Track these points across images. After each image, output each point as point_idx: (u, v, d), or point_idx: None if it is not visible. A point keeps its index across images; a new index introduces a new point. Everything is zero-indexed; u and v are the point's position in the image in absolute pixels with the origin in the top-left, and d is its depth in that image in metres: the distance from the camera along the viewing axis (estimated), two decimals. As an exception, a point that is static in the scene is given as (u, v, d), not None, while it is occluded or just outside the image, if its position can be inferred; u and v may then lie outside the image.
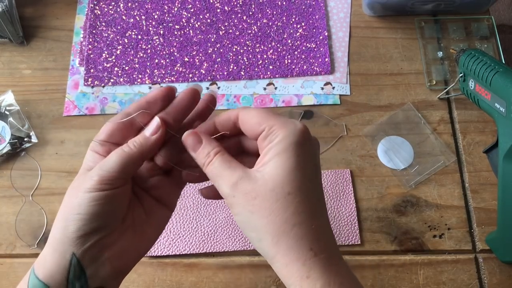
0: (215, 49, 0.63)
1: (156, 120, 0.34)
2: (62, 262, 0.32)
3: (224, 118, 0.36)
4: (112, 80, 0.61)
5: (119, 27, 0.64)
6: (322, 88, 0.61)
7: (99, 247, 0.33)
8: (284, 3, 0.66)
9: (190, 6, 0.66)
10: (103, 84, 0.61)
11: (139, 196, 0.37)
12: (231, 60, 0.62)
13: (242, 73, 0.62)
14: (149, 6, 0.66)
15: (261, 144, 0.33)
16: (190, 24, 0.64)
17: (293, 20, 0.65)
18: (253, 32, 0.64)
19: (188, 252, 0.52)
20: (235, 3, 0.66)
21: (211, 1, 0.66)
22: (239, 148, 0.37)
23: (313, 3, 0.66)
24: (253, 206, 0.31)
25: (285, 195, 0.31)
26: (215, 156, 0.33)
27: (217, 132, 0.36)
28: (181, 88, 0.61)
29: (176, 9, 0.65)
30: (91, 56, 0.62)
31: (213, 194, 0.37)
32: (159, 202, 0.37)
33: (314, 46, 0.63)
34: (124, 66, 0.62)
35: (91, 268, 0.33)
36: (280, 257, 0.31)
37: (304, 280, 0.30)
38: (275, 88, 0.61)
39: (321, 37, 0.63)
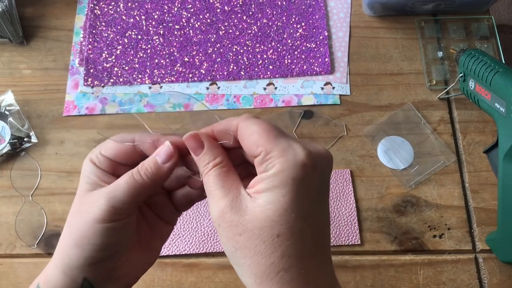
0: (215, 49, 0.63)
1: (167, 146, 0.32)
2: (72, 285, 0.32)
3: (223, 128, 0.32)
4: (112, 80, 0.61)
5: (119, 27, 0.64)
6: (322, 88, 0.61)
7: (111, 269, 0.33)
8: (284, 3, 0.66)
9: (190, 6, 0.66)
10: (103, 84, 0.61)
11: (143, 212, 0.36)
12: (231, 60, 0.62)
13: (242, 73, 0.61)
14: (149, 6, 0.65)
15: (257, 167, 0.30)
16: (190, 24, 0.64)
17: (293, 20, 0.64)
18: (253, 32, 0.64)
19: (188, 252, 0.52)
20: (235, 3, 0.66)
21: (211, 1, 0.66)
22: (242, 158, 0.33)
23: (313, 3, 0.66)
24: (237, 242, 0.28)
25: (274, 237, 0.27)
26: (211, 169, 0.30)
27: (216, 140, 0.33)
28: (181, 88, 0.61)
29: (176, 9, 0.65)
30: (91, 56, 0.62)
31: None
32: (161, 219, 0.37)
33: (314, 46, 0.63)
34: (124, 66, 0.62)
35: (101, 286, 0.33)
36: None
37: None
38: (275, 88, 0.61)
39: (321, 37, 0.63)
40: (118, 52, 0.63)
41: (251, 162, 0.32)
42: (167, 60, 0.62)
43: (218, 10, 0.65)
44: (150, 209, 0.36)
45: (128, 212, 0.31)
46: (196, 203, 0.54)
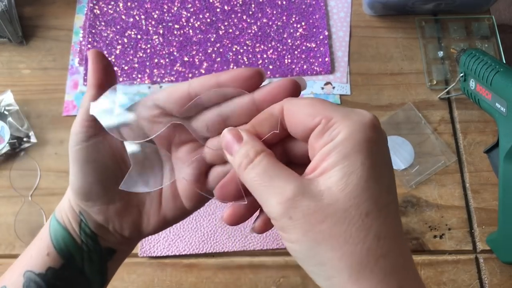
0: (215, 48, 0.63)
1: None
2: (75, 216, 0.32)
3: (264, 116, 0.28)
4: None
5: (118, 27, 0.64)
6: (322, 88, 0.61)
7: (104, 216, 0.32)
8: (284, 2, 0.65)
9: (190, 5, 0.65)
10: (102, 84, 0.61)
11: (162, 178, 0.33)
12: (231, 60, 0.62)
13: (242, 72, 0.61)
14: (148, 6, 0.65)
15: (315, 143, 0.25)
16: (190, 24, 0.64)
17: (293, 19, 0.64)
18: (253, 31, 0.64)
19: (188, 253, 0.52)
20: (235, 2, 0.65)
21: (211, 1, 0.66)
22: (284, 158, 0.29)
23: (313, 2, 0.65)
24: (320, 233, 0.23)
25: (363, 217, 0.23)
26: (257, 157, 0.25)
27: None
28: (181, 88, 0.61)
29: (175, 8, 0.65)
30: (91, 55, 0.62)
31: (265, 226, 0.29)
32: (178, 196, 0.33)
33: (314, 45, 0.63)
34: (123, 65, 0.62)
35: (100, 233, 0.33)
36: None
37: None
38: (275, 88, 0.61)
39: (321, 37, 0.63)
40: (117, 51, 0.63)
41: (297, 160, 0.28)
42: (167, 60, 0.62)
43: (218, 10, 0.65)
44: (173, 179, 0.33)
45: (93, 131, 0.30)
46: (196, 203, 0.54)
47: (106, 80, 0.32)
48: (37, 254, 0.33)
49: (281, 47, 0.63)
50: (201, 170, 0.31)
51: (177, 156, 0.32)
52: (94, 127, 0.30)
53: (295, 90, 0.28)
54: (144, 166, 0.32)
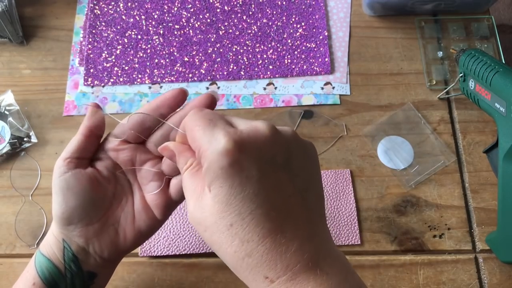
0: (215, 49, 0.63)
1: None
2: (58, 244, 0.38)
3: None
4: (112, 80, 0.61)
5: (118, 27, 0.64)
6: (322, 88, 0.61)
7: (84, 238, 0.37)
8: (284, 3, 0.66)
9: (190, 6, 0.66)
10: (103, 84, 0.61)
11: (134, 196, 0.40)
12: (231, 60, 0.62)
13: (242, 73, 0.61)
14: (149, 6, 0.65)
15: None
16: (190, 24, 0.64)
17: (293, 20, 0.64)
18: (253, 32, 0.64)
19: (188, 252, 0.52)
20: (235, 3, 0.66)
21: (211, 1, 0.66)
22: None
23: (313, 3, 0.66)
24: (206, 238, 0.29)
25: (228, 227, 0.28)
26: (184, 172, 0.32)
27: None
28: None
29: (176, 9, 0.65)
30: (91, 56, 0.62)
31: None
32: (150, 209, 0.39)
33: (314, 46, 0.63)
34: (123, 66, 0.62)
35: (81, 256, 0.38)
36: (247, 284, 0.29)
37: None
38: (275, 88, 0.61)
39: (321, 37, 0.63)
40: (118, 52, 0.63)
41: None
42: (167, 60, 0.62)
43: (218, 10, 0.65)
44: (143, 196, 0.39)
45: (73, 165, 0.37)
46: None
47: (95, 131, 0.38)
48: (24, 285, 0.38)
49: (281, 47, 0.63)
50: (162, 181, 0.38)
51: (141, 174, 0.40)
52: (74, 162, 0.37)
53: (212, 103, 0.36)
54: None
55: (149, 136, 0.38)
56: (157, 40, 0.63)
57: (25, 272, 0.39)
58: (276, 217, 0.28)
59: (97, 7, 0.65)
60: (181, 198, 0.39)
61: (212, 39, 0.63)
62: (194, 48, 0.63)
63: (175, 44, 0.63)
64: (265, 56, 0.62)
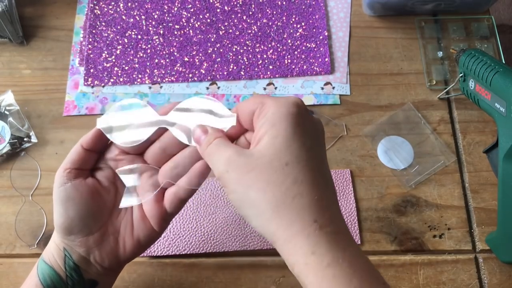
0: (215, 49, 0.63)
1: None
2: (60, 253, 0.38)
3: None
4: (112, 80, 0.61)
5: (119, 27, 0.64)
6: (322, 88, 0.61)
7: (85, 247, 0.38)
8: (284, 3, 0.66)
9: (190, 6, 0.66)
10: (103, 84, 0.61)
11: (133, 206, 0.40)
12: (231, 60, 0.62)
13: (242, 73, 0.61)
14: (149, 6, 0.65)
15: (256, 124, 0.32)
16: (190, 24, 0.64)
17: (293, 20, 0.64)
18: (253, 32, 0.64)
19: (188, 252, 0.52)
20: (235, 3, 0.66)
21: (211, 1, 0.66)
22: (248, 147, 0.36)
23: (313, 3, 0.66)
24: (249, 179, 0.29)
25: (283, 166, 0.29)
26: (214, 140, 0.33)
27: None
28: (181, 88, 0.61)
29: (176, 9, 0.65)
30: (91, 56, 0.62)
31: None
32: (147, 219, 0.39)
33: (314, 46, 0.63)
34: (124, 66, 0.62)
35: (82, 265, 0.38)
36: (281, 232, 0.28)
37: (309, 256, 0.28)
38: (275, 88, 0.61)
39: (321, 37, 0.63)
40: (118, 52, 0.63)
41: (251, 138, 0.34)
42: (167, 60, 0.62)
43: (218, 10, 0.65)
44: (141, 206, 0.40)
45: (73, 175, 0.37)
46: (196, 204, 0.54)
47: (97, 147, 0.39)
48: None
49: (281, 47, 0.63)
50: (158, 193, 0.39)
51: (138, 185, 0.40)
52: (74, 172, 0.38)
53: None
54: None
55: (147, 148, 0.39)
56: (157, 40, 0.63)
57: (28, 278, 0.39)
58: (324, 174, 0.31)
59: (97, 7, 0.65)
60: (175, 210, 0.39)
61: (212, 39, 0.63)
62: (194, 48, 0.63)
63: (175, 44, 0.63)
64: (265, 56, 0.62)
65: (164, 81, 0.61)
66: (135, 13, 0.65)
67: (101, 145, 0.39)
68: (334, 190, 0.31)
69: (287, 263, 0.29)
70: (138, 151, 0.39)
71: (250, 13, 0.65)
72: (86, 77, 0.61)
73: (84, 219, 0.37)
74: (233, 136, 0.35)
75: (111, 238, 0.39)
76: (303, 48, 0.63)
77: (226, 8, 0.65)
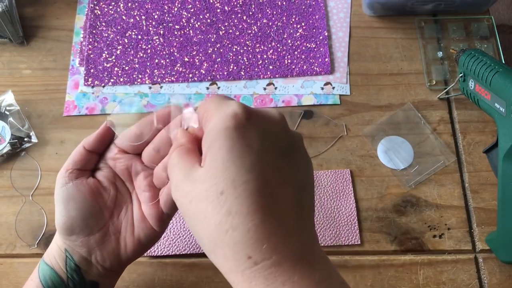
0: (215, 49, 0.63)
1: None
2: (61, 253, 0.38)
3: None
4: (112, 80, 0.61)
5: (119, 27, 0.64)
6: (322, 88, 0.61)
7: (86, 247, 0.38)
8: (284, 3, 0.66)
9: (190, 6, 0.66)
10: (103, 84, 0.61)
11: (133, 206, 0.40)
12: (231, 60, 0.62)
13: (242, 73, 0.62)
14: (149, 6, 0.66)
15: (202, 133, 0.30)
16: (190, 24, 0.64)
17: (293, 20, 0.65)
18: (253, 32, 0.64)
19: (188, 252, 0.52)
20: (235, 3, 0.66)
21: (211, 1, 0.66)
22: None
23: (313, 3, 0.66)
24: (188, 210, 0.27)
25: (218, 195, 0.26)
26: (174, 150, 0.31)
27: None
28: (181, 88, 0.61)
29: (176, 9, 0.65)
30: (91, 56, 0.62)
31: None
32: (147, 219, 0.39)
33: (314, 46, 0.63)
34: (124, 66, 0.62)
35: (84, 266, 0.38)
36: (220, 266, 0.27)
37: None
38: (275, 88, 0.61)
39: (321, 37, 0.63)
40: (118, 52, 0.63)
41: None
42: (167, 60, 0.62)
43: (218, 10, 0.65)
44: (141, 206, 0.40)
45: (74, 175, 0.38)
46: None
47: (99, 149, 0.40)
48: None
49: (281, 47, 0.63)
50: (155, 193, 0.39)
51: (136, 184, 0.40)
52: (76, 173, 0.38)
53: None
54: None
55: (144, 147, 0.39)
56: (157, 40, 0.63)
57: (29, 280, 0.39)
58: (269, 196, 0.26)
59: (97, 7, 0.65)
60: (170, 210, 0.38)
61: (212, 39, 0.63)
62: (194, 48, 0.63)
63: (175, 44, 0.63)
64: (265, 56, 0.62)
65: (164, 81, 0.61)
66: (135, 13, 0.65)
67: (103, 147, 0.39)
68: (289, 206, 0.27)
69: None
70: (137, 151, 0.39)
71: (250, 13, 0.65)
72: (86, 77, 0.61)
73: (86, 218, 0.37)
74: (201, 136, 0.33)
75: (112, 238, 0.39)
76: (303, 48, 0.63)
77: (226, 8, 0.65)
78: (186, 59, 0.62)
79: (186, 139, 0.31)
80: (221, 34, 0.64)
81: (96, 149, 0.39)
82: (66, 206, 0.37)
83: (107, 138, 0.39)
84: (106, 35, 0.64)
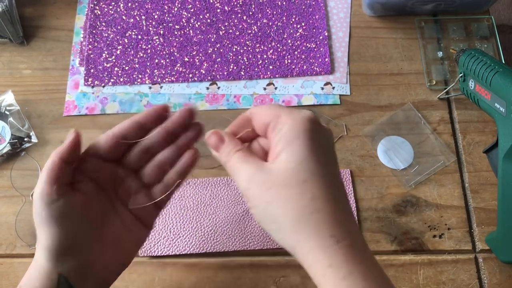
0: (215, 49, 0.63)
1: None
2: (49, 284, 0.35)
3: (240, 119, 0.37)
4: (112, 80, 0.61)
5: (119, 27, 0.64)
6: (322, 88, 0.61)
7: (83, 264, 0.36)
8: (284, 3, 0.66)
9: (190, 6, 0.66)
10: (103, 84, 0.61)
11: (119, 212, 0.39)
12: (231, 60, 0.62)
13: (242, 73, 0.62)
14: (149, 6, 0.66)
15: (270, 136, 0.33)
16: (190, 24, 0.64)
17: (293, 20, 0.65)
18: (253, 32, 0.64)
19: (188, 252, 0.52)
20: (235, 3, 0.66)
21: (211, 1, 0.66)
22: (261, 150, 0.37)
23: (313, 3, 0.66)
24: (269, 196, 0.31)
25: (300, 183, 0.30)
26: (234, 154, 0.34)
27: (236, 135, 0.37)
28: (181, 88, 0.61)
29: (176, 9, 0.65)
30: (91, 56, 0.62)
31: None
32: (138, 220, 0.40)
33: (314, 46, 0.63)
34: (124, 66, 0.62)
35: (79, 283, 0.35)
36: (301, 246, 0.30)
37: (326, 269, 0.29)
38: (275, 88, 0.61)
39: (321, 37, 0.63)
40: (118, 52, 0.63)
41: (265, 145, 0.36)
42: (167, 60, 0.62)
43: (218, 10, 0.65)
44: (128, 211, 0.39)
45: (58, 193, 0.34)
46: (196, 204, 0.54)
47: (73, 158, 0.37)
48: None
49: (281, 47, 0.63)
50: (147, 192, 0.39)
51: (122, 190, 0.39)
52: (62, 187, 0.35)
53: (192, 116, 0.38)
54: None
55: (125, 152, 0.39)
56: (157, 40, 0.63)
57: None
58: (337, 188, 0.32)
59: (97, 7, 0.65)
60: (164, 204, 0.40)
61: (212, 39, 0.63)
62: (194, 48, 0.63)
63: (175, 44, 0.63)
64: (265, 56, 0.62)
65: (164, 81, 0.61)
66: (135, 13, 0.65)
67: (76, 156, 0.37)
68: (347, 201, 0.33)
69: (308, 273, 0.31)
70: (117, 156, 0.39)
71: (250, 13, 0.65)
72: (86, 77, 0.61)
73: (84, 234, 0.36)
74: (246, 140, 0.37)
75: (107, 248, 0.37)
76: (303, 48, 0.63)
77: (226, 8, 0.65)
78: (186, 59, 0.62)
79: (239, 144, 0.35)
80: (221, 34, 0.64)
81: (71, 159, 0.36)
82: (61, 225, 0.34)
83: (78, 147, 0.37)
84: (106, 35, 0.64)
